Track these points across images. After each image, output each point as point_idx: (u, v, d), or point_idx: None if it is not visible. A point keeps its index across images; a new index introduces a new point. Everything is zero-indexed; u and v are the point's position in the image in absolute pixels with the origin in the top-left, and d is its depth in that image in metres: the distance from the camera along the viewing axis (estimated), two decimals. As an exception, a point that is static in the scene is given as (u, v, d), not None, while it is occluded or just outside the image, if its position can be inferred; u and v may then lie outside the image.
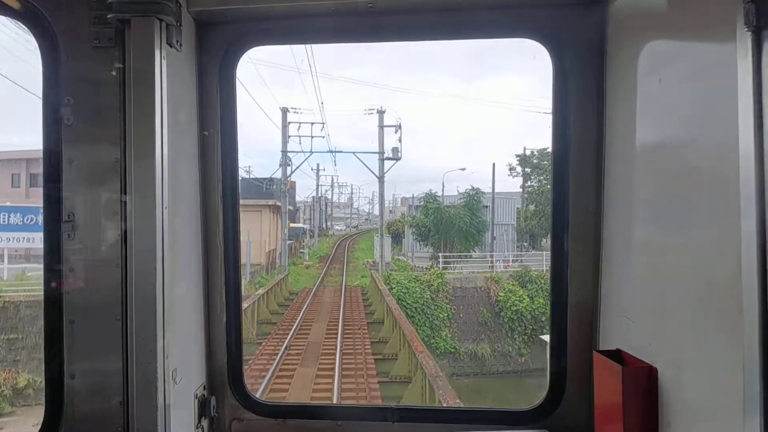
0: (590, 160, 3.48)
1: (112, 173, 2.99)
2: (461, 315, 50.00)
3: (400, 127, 58.84)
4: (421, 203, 67.99)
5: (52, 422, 3.07)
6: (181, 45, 3.17)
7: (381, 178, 58.64)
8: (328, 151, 63.79)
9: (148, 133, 2.89)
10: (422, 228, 62.70)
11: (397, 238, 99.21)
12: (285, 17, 3.64)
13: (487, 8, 3.55)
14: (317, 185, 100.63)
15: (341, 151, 64.85)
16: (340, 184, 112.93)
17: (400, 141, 59.02)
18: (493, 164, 72.14)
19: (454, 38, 3.90)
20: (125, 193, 2.93)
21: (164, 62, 2.97)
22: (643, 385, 2.79)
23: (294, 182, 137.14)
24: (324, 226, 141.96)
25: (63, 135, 3.03)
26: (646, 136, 3.02)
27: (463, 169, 75.13)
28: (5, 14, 3.23)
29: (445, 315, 49.73)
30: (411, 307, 48.12)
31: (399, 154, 58.84)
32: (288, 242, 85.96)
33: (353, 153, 57.91)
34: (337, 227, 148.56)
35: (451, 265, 58.22)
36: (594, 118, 3.45)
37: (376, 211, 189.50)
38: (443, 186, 71.09)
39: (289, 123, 58.76)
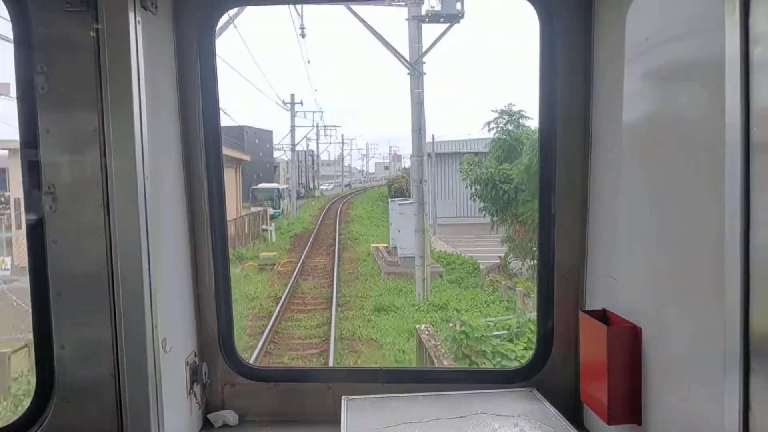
0: (577, 120, 3.32)
1: (91, 142, 2.77)
2: None
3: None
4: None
5: (44, 392, 2.94)
6: (156, 7, 2.96)
7: (416, 66, 22.34)
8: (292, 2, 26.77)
9: (126, 100, 2.70)
10: (501, 185, 26.76)
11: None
12: None
13: None
14: (292, 125, 64.07)
15: (320, 2, 7.39)
16: (327, 126, 75.81)
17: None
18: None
19: None
20: (105, 162, 2.75)
21: (139, 26, 2.75)
22: (627, 344, 2.72)
23: (270, 132, 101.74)
24: (311, 185, 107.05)
25: (38, 104, 2.79)
26: (633, 96, 2.88)
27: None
28: None
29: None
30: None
31: (458, 6, 22.50)
32: (254, 210, 51.30)
33: (346, 4, 21.30)
34: (324, 186, 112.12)
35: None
36: (581, 78, 3.29)
37: (371, 169, 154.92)
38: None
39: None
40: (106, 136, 2.71)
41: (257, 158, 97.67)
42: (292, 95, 63.79)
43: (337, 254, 35.60)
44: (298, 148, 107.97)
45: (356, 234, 45.55)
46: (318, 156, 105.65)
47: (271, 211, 66.78)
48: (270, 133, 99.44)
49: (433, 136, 62.01)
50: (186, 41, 3.35)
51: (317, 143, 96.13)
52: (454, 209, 54.42)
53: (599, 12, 3.15)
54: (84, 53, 2.73)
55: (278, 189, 70.54)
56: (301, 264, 32.86)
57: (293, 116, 63.96)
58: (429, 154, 63.87)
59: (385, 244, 36.09)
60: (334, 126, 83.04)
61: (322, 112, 76.73)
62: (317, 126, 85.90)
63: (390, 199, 33.67)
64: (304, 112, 65.94)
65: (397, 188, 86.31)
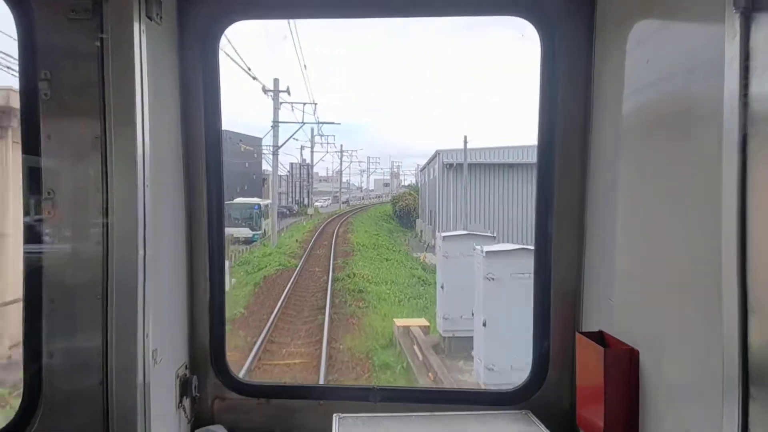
0: (576, 141, 3.19)
1: (92, 150, 2.68)
2: None
3: None
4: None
5: (31, 401, 2.76)
6: (161, 18, 2.85)
7: None
8: None
9: (128, 109, 2.63)
10: None
11: (406, 219, 65.21)
12: None
13: None
14: (275, 120, 45.29)
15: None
16: (321, 123, 56.61)
17: None
18: None
19: (441, 15, 3.72)
20: (106, 170, 2.66)
21: (144, 36, 2.68)
22: (624, 366, 2.59)
23: (258, 139, 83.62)
24: (305, 201, 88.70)
25: (41, 109, 2.69)
26: (632, 118, 2.77)
27: None
28: None
29: None
30: None
31: None
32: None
33: None
34: (319, 203, 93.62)
35: None
36: (581, 98, 3.17)
37: (371, 185, 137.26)
38: None
39: None
40: (108, 144, 2.64)
41: (242, 169, 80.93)
42: (276, 80, 45.29)
43: (325, 345, 16.82)
44: (291, 159, 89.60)
45: (361, 282, 26.92)
46: (312, 166, 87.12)
47: (248, 233, 48.56)
48: (258, 140, 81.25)
49: (465, 137, 44.30)
50: (190, 52, 3.25)
51: (312, 151, 77.46)
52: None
53: (600, 33, 3.06)
54: (88, 61, 2.65)
55: (258, 205, 52.33)
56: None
57: (276, 108, 45.48)
58: (452, 164, 46.45)
59: (421, 322, 17.44)
60: (332, 123, 63.60)
61: (315, 104, 57.54)
62: (312, 129, 67.25)
63: (442, 235, 15.12)
64: (292, 104, 47.12)
65: (403, 207, 72.32)
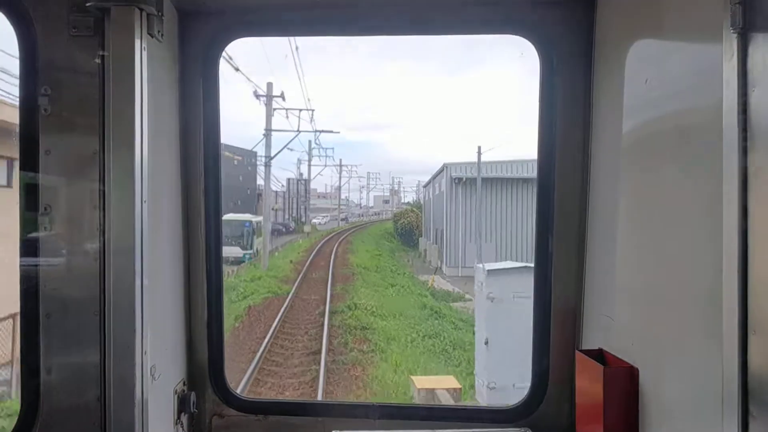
0: (576, 160, 3.19)
1: (90, 165, 2.69)
2: None
3: None
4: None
5: (28, 416, 2.77)
6: (162, 35, 2.84)
7: None
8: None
9: (128, 125, 2.58)
10: None
11: (408, 238, 62.67)
12: (269, 9, 3.32)
13: (474, 4, 3.25)
14: (267, 128, 40.75)
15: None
16: (319, 132, 51.26)
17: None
18: None
19: (440, 33, 3.73)
20: (104, 186, 2.64)
21: (145, 53, 2.65)
22: (624, 384, 2.58)
23: (253, 153, 79.35)
24: (303, 217, 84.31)
25: (40, 125, 2.70)
26: (631, 137, 2.78)
27: None
28: None
29: None
30: None
31: None
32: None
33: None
34: (316, 220, 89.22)
35: None
36: (580, 117, 3.16)
37: (370, 202, 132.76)
38: None
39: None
40: (106, 160, 2.59)
41: (235, 183, 76.81)
42: (269, 84, 40.95)
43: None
44: (288, 175, 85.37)
45: (364, 315, 22.30)
46: (309, 182, 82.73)
47: (238, 252, 44.01)
48: (253, 154, 77.16)
49: (479, 148, 39.93)
50: (190, 69, 3.25)
51: (309, 164, 73.09)
52: (494, 253, 38.52)
53: (599, 52, 3.05)
54: (88, 77, 2.66)
55: (250, 222, 48.06)
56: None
57: (270, 115, 41.11)
58: (461, 179, 42.33)
59: (448, 383, 12.80)
60: (330, 132, 58.98)
61: (312, 110, 52.40)
62: (310, 141, 62.82)
63: (486, 269, 10.72)
64: (287, 110, 42.70)
65: (405, 224, 69.05)
